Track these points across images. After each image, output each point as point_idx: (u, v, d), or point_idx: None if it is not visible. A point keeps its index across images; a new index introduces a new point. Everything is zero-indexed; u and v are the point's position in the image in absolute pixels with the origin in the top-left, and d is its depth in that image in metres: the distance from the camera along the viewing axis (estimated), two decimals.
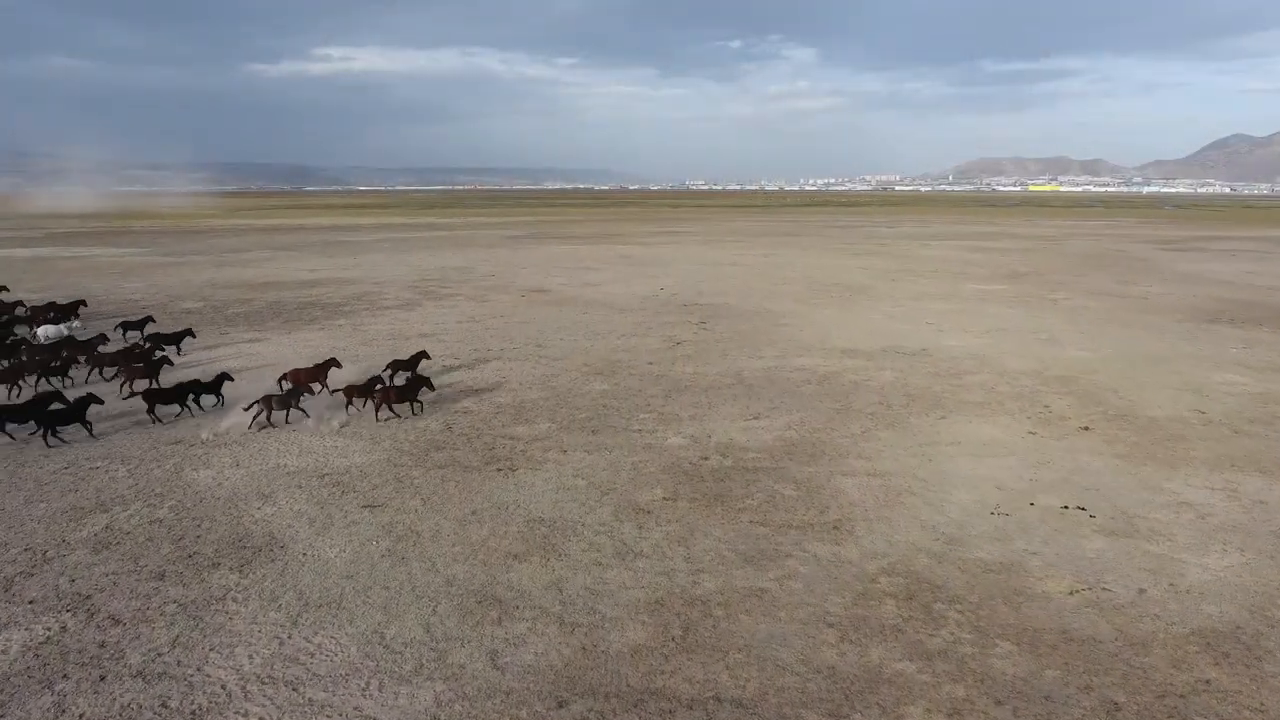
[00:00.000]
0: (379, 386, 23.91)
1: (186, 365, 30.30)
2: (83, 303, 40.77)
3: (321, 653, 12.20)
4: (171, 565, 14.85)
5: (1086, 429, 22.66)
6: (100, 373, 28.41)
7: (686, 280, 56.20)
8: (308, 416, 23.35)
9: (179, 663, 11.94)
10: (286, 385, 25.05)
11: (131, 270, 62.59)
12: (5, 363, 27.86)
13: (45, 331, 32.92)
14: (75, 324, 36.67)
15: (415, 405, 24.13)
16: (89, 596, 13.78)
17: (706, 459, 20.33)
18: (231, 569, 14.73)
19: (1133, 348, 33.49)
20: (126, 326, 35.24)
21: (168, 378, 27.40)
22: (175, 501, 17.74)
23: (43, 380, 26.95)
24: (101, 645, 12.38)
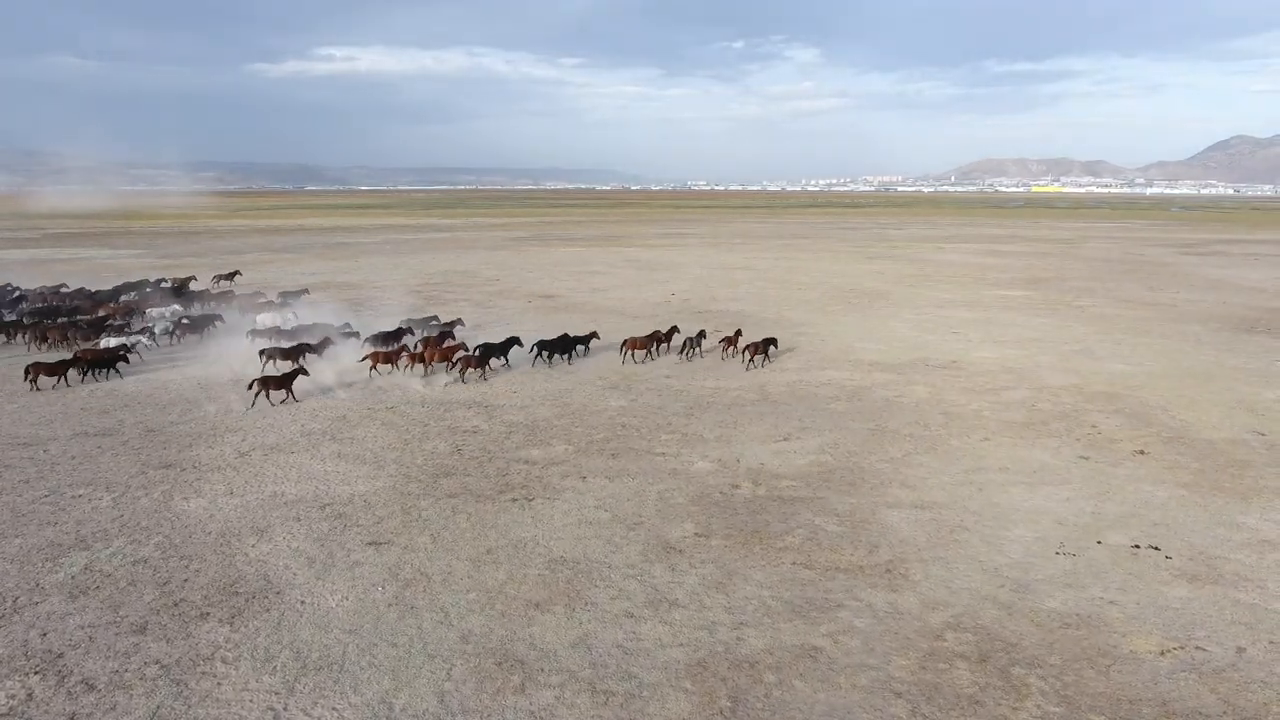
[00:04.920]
0: (753, 342, 30.94)
1: (149, 373, 28.83)
2: (305, 290, 46.70)
3: None
4: (155, 615, 13.36)
5: (1142, 453, 21.14)
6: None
7: (697, 285, 54.69)
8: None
9: None
10: (629, 351, 31.29)
11: (125, 274, 61.02)
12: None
13: (263, 319, 35.85)
14: (290, 315, 37.74)
15: (765, 359, 31.22)
16: (61, 655, 12.30)
17: (738, 487, 18.82)
18: (221, 620, 13.23)
19: (1173, 361, 31.93)
20: (286, 295, 43.66)
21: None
22: (162, 537, 16.24)
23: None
24: (71, 718, 10.89)
